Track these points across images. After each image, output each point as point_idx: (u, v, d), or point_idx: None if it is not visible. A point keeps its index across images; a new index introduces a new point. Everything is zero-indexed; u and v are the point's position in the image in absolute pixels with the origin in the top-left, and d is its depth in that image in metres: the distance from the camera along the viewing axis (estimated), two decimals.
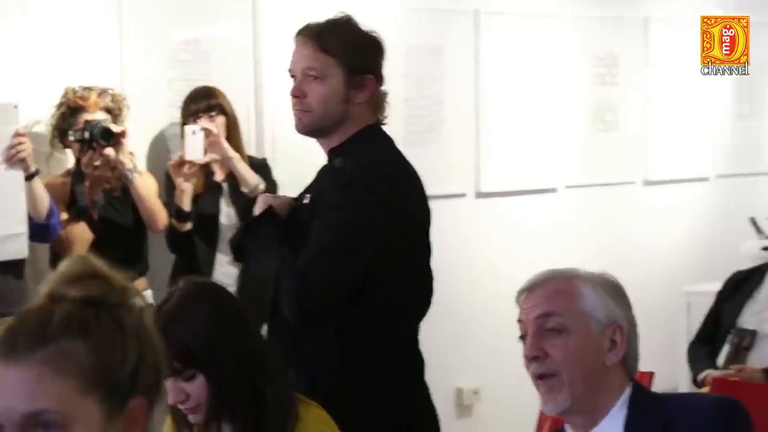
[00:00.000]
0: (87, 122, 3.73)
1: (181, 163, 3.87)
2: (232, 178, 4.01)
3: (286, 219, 2.58)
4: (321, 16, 4.45)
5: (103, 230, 3.79)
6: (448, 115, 5.03)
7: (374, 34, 2.65)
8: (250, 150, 4.19)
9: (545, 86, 5.30)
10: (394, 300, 2.53)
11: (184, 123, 3.97)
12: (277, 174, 4.11)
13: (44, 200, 3.55)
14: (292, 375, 2.09)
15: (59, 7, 3.95)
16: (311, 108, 2.56)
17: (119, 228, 3.85)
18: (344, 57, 2.55)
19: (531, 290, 1.93)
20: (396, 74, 4.88)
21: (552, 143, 5.34)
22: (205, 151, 3.88)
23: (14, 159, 3.42)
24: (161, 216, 3.87)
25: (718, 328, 3.92)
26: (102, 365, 1.23)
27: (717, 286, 4.16)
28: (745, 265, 4.27)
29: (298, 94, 2.57)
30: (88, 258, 1.30)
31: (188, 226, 3.91)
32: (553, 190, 5.39)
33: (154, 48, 4.18)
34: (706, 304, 4.15)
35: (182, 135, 3.97)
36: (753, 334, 3.83)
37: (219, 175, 4.04)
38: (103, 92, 3.83)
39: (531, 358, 1.88)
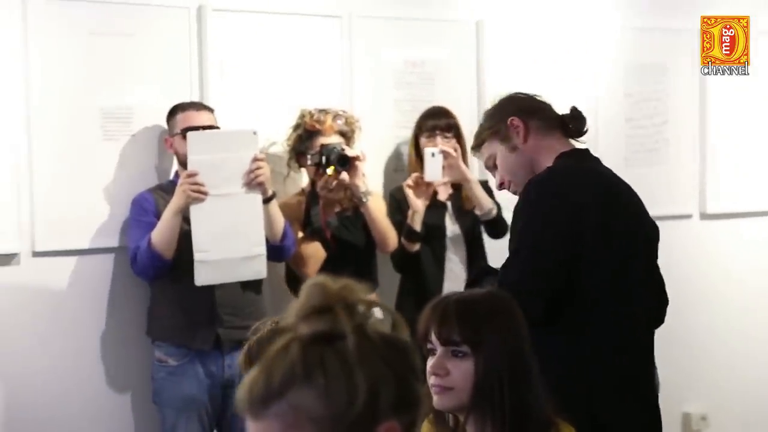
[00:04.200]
0: (323, 146, 3.81)
1: (419, 183, 3.96)
2: (455, 197, 4.09)
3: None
4: (543, 39, 4.57)
5: (336, 249, 3.87)
6: (671, 134, 4.95)
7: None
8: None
9: None
10: (597, 305, 2.54)
11: (416, 139, 4.04)
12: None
13: (280, 222, 3.66)
14: (548, 388, 2.10)
15: (292, 31, 4.07)
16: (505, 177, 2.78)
17: (351, 247, 3.93)
18: (485, 131, 2.75)
19: None
20: (617, 94, 4.89)
21: None
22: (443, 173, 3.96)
23: (253, 183, 3.55)
24: (392, 237, 3.94)
25: None
26: (333, 408, 1.21)
27: None
28: None
29: (487, 165, 2.83)
30: (324, 285, 1.28)
31: (417, 246, 3.97)
32: None
33: (381, 70, 4.27)
34: None
35: (413, 155, 4.05)
36: None
37: (443, 195, 4.10)
38: (337, 115, 3.90)
39: None
